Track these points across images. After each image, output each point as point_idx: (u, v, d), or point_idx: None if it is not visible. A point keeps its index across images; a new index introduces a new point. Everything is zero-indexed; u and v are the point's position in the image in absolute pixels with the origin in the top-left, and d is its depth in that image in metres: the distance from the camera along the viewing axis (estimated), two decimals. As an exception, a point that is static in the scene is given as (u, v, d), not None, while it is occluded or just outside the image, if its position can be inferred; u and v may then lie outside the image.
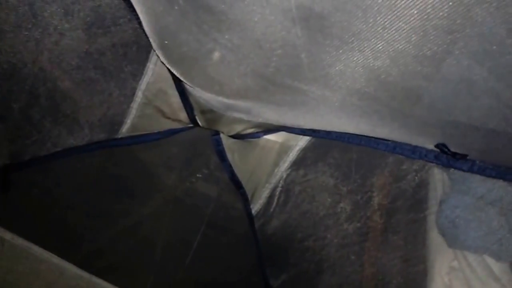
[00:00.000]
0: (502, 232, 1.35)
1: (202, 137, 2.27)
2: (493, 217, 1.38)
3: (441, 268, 1.52)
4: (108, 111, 2.04)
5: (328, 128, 1.72)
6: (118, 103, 2.01)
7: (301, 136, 2.04)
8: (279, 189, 2.35)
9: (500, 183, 1.33)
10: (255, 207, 2.55)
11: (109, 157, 2.40)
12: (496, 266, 1.35)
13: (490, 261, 1.36)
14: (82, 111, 2.01)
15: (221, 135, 2.19)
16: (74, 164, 2.34)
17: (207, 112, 1.91)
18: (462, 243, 1.41)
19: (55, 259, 2.60)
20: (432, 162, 1.45)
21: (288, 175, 2.26)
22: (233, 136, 2.15)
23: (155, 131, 2.18)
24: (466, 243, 1.40)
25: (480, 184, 1.40)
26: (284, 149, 2.17)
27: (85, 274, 2.69)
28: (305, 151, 2.11)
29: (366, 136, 1.61)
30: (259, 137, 2.12)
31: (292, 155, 2.15)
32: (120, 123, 2.09)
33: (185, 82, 1.65)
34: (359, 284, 2.16)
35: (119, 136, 2.15)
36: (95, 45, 1.79)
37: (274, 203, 2.43)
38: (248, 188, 2.48)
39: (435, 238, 1.57)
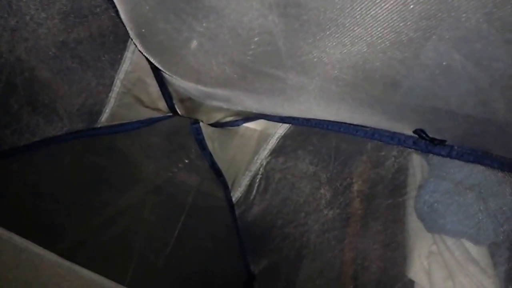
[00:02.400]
0: (480, 216, 1.36)
1: (181, 126, 2.26)
2: (472, 202, 1.39)
3: (421, 252, 1.53)
4: (87, 100, 2.01)
5: (307, 116, 1.71)
6: (97, 92, 1.98)
7: (280, 124, 2.04)
8: (259, 176, 2.36)
9: (478, 168, 1.34)
10: (236, 195, 2.55)
11: (89, 146, 2.38)
12: (474, 250, 1.36)
13: (469, 244, 1.38)
14: (60, 101, 1.99)
15: (201, 123, 2.18)
16: (54, 154, 2.31)
17: (186, 100, 1.90)
18: (440, 227, 1.42)
19: (35, 248, 2.57)
20: (410, 148, 1.46)
21: (268, 162, 2.26)
22: (213, 125, 2.14)
23: (134, 120, 2.16)
24: (445, 227, 1.41)
25: (458, 169, 1.41)
26: (263, 137, 2.17)
27: (65, 263, 2.66)
28: (284, 138, 2.11)
29: (345, 123, 1.61)
30: (238, 125, 2.12)
31: (271, 143, 2.16)
32: (99, 113, 2.07)
33: (163, 70, 1.64)
34: (339, 269, 2.18)
35: (98, 126, 2.13)
36: (72, 35, 1.76)
37: (254, 191, 2.43)
38: (228, 176, 2.48)
39: (414, 223, 1.58)
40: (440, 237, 1.44)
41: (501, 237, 1.35)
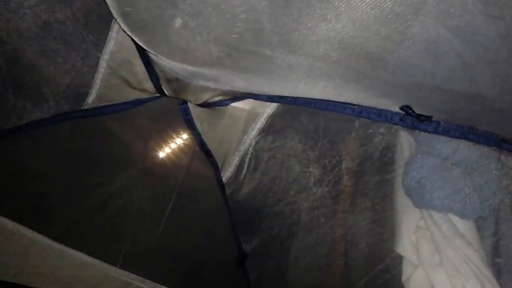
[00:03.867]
0: (467, 191, 1.37)
1: (169, 106, 2.25)
2: (458, 177, 1.40)
3: (408, 227, 1.54)
4: (72, 82, 1.99)
5: (295, 94, 1.71)
6: (82, 73, 1.96)
7: (268, 103, 2.03)
8: (248, 156, 2.36)
9: (465, 143, 1.35)
10: (226, 175, 2.55)
11: (76, 129, 2.37)
12: (460, 224, 1.38)
13: (455, 219, 1.39)
14: (46, 83, 1.96)
15: (189, 104, 2.16)
16: (42, 136, 2.30)
17: (173, 81, 1.89)
18: (427, 202, 1.43)
19: (26, 232, 2.57)
20: (397, 125, 1.47)
21: (257, 142, 2.26)
22: (201, 105, 2.13)
23: (121, 102, 2.14)
24: (432, 202, 1.42)
25: (445, 145, 1.42)
26: (252, 116, 2.16)
27: (57, 246, 2.66)
28: (273, 117, 2.11)
29: (333, 101, 1.60)
30: (226, 105, 2.11)
31: (260, 122, 2.15)
32: (85, 94, 2.05)
33: (148, 50, 1.62)
34: (329, 246, 2.19)
35: (85, 107, 2.11)
36: (54, 15, 1.74)
37: (244, 170, 2.43)
38: (218, 156, 2.48)
39: (402, 199, 1.59)
40: (428, 212, 1.45)
41: (487, 212, 1.36)
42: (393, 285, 1.67)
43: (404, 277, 1.52)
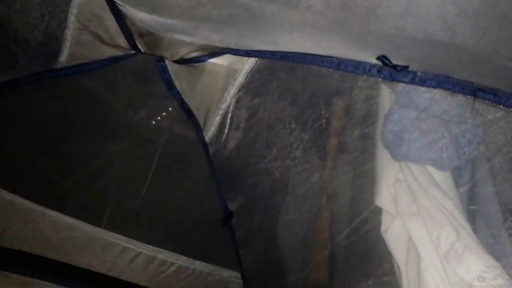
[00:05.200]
0: (443, 141, 1.37)
1: (146, 64, 2.20)
2: (434, 128, 1.40)
3: (388, 180, 1.55)
4: (42, 39, 1.94)
5: (272, 48, 1.69)
6: (51, 29, 1.91)
7: (247, 59, 2.01)
8: (229, 114, 2.35)
9: (441, 93, 1.35)
10: (208, 134, 2.54)
11: (52, 91, 2.34)
12: (437, 175, 1.38)
13: (432, 170, 1.39)
14: (14, 41, 1.92)
15: (166, 61, 2.12)
16: (17, 101, 2.27)
17: (146, 35, 1.85)
18: (405, 154, 1.43)
19: (6, 195, 2.57)
20: (375, 77, 1.45)
21: (237, 99, 2.25)
22: (178, 61, 2.10)
23: (96, 60, 2.10)
24: (409, 154, 1.42)
25: (422, 96, 1.41)
26: (231, 73, 2.14)
27: (38, 208, 2.67)
28: (252, 74, 2.09)
29: (311, 54, 1.59)
30: (204, 60, 2.07)
31: (239, 79, 2.13)
32: (57, 52, 2.00)
33: (115, 0, 1.58)
34: (312, 201, 2.21)
35: (58, 66, 2.07)
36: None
37: (226, 129, 2.42)
38: (199, 115, 2.46)
39: (381, 152, 1.59)
40: (406, 164, 1.46)
41: (463, 161, 1.37)
42: (372, 236, 1.69)
43: (383, 228, 1.53)
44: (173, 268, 3.10)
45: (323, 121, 1.94)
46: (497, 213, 1.29)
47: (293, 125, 2.09)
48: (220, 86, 2.24)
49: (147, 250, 3.00)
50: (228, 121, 2.38)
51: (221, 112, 2.36)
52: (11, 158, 2.56)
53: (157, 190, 2.87)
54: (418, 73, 1.33)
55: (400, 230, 1.44)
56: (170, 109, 2.56)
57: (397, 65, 1.34)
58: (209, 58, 2.06)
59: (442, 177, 1.38)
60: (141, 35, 1.87)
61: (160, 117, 2.65)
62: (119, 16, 1.80)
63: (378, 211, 1.58)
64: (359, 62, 1.47)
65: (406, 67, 1.33)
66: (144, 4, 1.56)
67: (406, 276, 1.40)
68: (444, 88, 1.31)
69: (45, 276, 2.78)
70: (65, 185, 2.76)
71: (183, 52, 1.99)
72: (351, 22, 1.25)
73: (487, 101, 1.25)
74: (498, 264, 1.15)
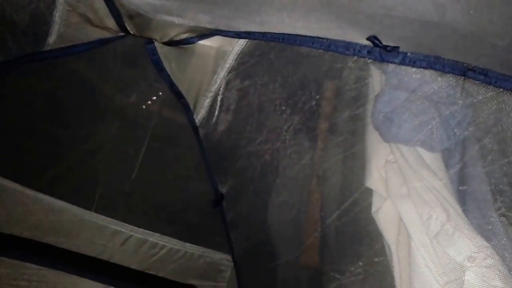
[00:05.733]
0: (433, 123, 1.37)
1: (136, 46, 2.19)
2: (425, 109, 1.39)
3: (378, 161, 1.55)
4: (31, 21, 1.92)
5: (263, 30, 1.68)
6: (39, 11, 1.88)
7: (236, 40, 2.00)
8: (220, 96, 2.34)
9: (431, 74, 1.35)
10: (198, 117, 2.53)
11: (42, 73, 2.32)
12: (427, 156, 1.38)
13: (422, 151, 1.39)
14: (1, 23, 1.89)
15: (156, 43, 2.11)
16: (7, 83, 2.25)
17: (135, 16, 1.83)
18: (395, 136, 1.43)
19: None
20: (365, 58, 1.45)
21: (227, 81, 2.24)
22: (168, 43, 2.08)
23: (85, 42, 2.08)
24: (399, 136, 1.42)
25: (412, 77, 1.41)
26: (220, 54, 2.13)
27: (29, 192, 2.66)
28: (242, 56, 2.08)
29: (301, 35, 1.58)
30: (193, 42, 2.06)
31: (229, 61, 2.12)
32: (45, 34, 1.98)
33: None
34: (303, 183, 2.21)
35: (47, 48, 2.05)
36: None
37: (217, 111, 2.42)
38: (189, 97, 2.45)
39: (372, 133, 1.59)
40: (396, 146, 1.46)
41: (453, 143, 1.37)
42: (363, 217, 1.69)
43: (373, 209, 1.53)
44: (164, 250, 3.11)
45: (314, 102, 1.94)
46: (487, 193, 1.29)
47: (284, 107, 2.08)
48: (210, 68, 2.23)
49: (138, 233, 3.01)
50: (218, 103, 2.37)
51: (211, 94, 2.35)
52: (1, 142, 2.54)
53: (148, 173, 2.86)
54: (409, 54, 1.33)
55: (391, 211, 1.44)
56: (160, 93, 2.55)
57: (388, 46, 1.33)
58: (199, 39, 2.04)
59: (432, 158, 1.38)
60: (130, 16, 1.86)
61: (150, 100, 2.64)
62: (107, -4, 1.78)
63: (369, 192, 1.59)
64: (349, 43, 1.46)
65: (396, 47, 1.33)
66: (132, -15, 1.54)
67: (397, 257, 1.41)
68: (435, 69, 1.31)
69: (36, 260, 2.78)
70: (55, 168, 2.75)
71: (172, 33, 1.98)
72: (342, 0, 1.24)
73: (477, 82, 1.24)
74: (488, 245, 1.16)
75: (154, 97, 2.63)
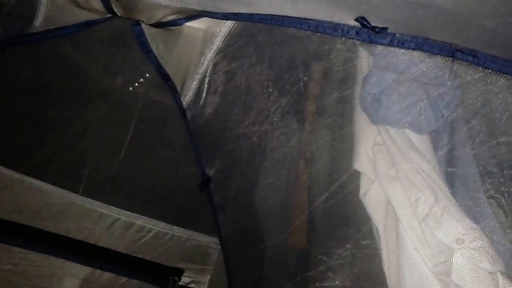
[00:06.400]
0: (421, 104, 1.37)
1: (123, 28, 2.17)
2: (413, 91, 1.39)
3: (366, 143, 1.54)
4: (17, 2, 1.89)
5: (250, 11, 1.66)
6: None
7: (224, 22, 1.98)
8: (207, 78, 2.32)
9: (419, 55, 1.34)
10: (186, 99, 2.52)
11: (28, 57, 2.30)
12: (415, 138, 1.38)
13: (410, 133, 1.39)
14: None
15: (143, 25, 2.09)
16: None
17: (122, -3, 1.81)
18: (383, 118, 1.42)
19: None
20: (353, 39, 1.44)
21: (215, 64, 2.22)
22: (155, 25, 2.05)
23: (71, 24, 2.05)
24: (387, 117, 1.41)
25: (400, 59, 1.40)
26: (208, 36, 2.11)
27: (15, 175, 2.64)
28: (229, 37, 2.06)
29: (289, 17, 1.56)
30: (181, 24, 2.03)
31: (217, 43, 2.10)
32: (32, 16, 1.95)
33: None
34: (290, 165, 2.21)
35: (33, 31, 2.02)
36: None
37: (204, 93, 2.40)
38: (176, 80, 2.43)
39: (360, 115, 1.58)
40: (384, 128, 1.45)
41: (442, 124, 1.37)
42: (350, 200, 1.70)
43: (361, 192, 1.53)
44: (151, 234, 3.11)
45: (301, 84, 1.93)
46: (476, 175, 1.29)
47: (271, 89, 2.07)
48: (197, 50, 2.21)
49: (124, 216, 3.01)
50: (206, 85, 2.36)
51: (198, 76, 2.33)
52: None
53: (135, 156, 2.85)
54: (397, 35, 1.32)
55: (379, 193, 1.44)
56: (147, 75, 2.52)
57: (376, 27, 1.32)
58: (186, 21, 2.02)
59: (420, 140, 1.38)
60: (117, -3, 1.84)
61: (137, 82, 2.62)
62: (92, -23, 1.76)
63: (357, 175, 1.58)
64: (338, 24, 1.45)
65: (384, 28, 1.32)
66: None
67: (385, 239, 1.41)
68: (423, 50, 1.30)
69: (22, 243, 2.77)
70: (42, 151, 2.73)
71: (159, 15, 1.95)
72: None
73: (466, 63, 1.24)
74: (476, 227, 1.16)
75: (141, 80, 2.61)
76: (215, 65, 2.23)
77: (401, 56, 1.39)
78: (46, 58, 2.38)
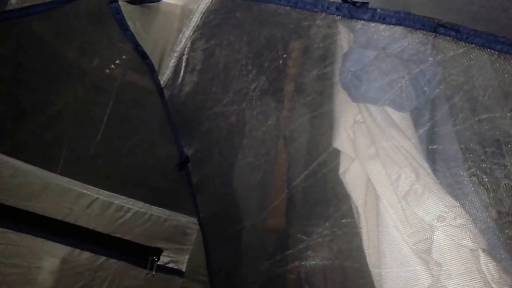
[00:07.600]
0: (403, 81, 1.35)
1: (99, 5, 2.11)
2: (394, 68, 1.37)
3: (346, 122, 1.52)
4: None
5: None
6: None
7: (202, -2, 1.94)
8: (185, 56, 2.28)
9: (401, 31, 1.32)
10: (163, 78, 2.48)
11: (3, 36, 2.24)
12: (396, 115, 1.36)
13: (391, 111, 1.37)
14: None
15: (119, 1, 2.04)
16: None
17: (98, -27, 1.76)
18: (364, 95, 1.40)
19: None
20: (334, 15, 1.42)
21: (192, 41, 2.18)
22: (132, 2, 2.01)
23: (47, 1, 1.99)
24: (368, 95, 1.39)
25: (382, 35, 1.38)
26: (186, 13, 2.07)
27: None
28: (207, 14, 2.02)
29: (268, -8, 1.54)
30: (158, 0, 2.00)
31: (194, 19, 2.06)
32: (8, -6, 1.90)
33: None
34: (269, 144, 2.20)
35: (9, 8, 1.96)
36: None
37: (182, 72, 2.37)
38: (154, 58, 2.39)
39: (340, 93, 1.56)
40: (365, 106, 1.43)
41: (423, 101, 1.36)
42: (330, 178, 1.69)
43: (341, 170, 1.52)
44: (129, 214, 3.09)
45: (280, 62, 1.91)
46: (457, 152, 1.29)
47: (250, 67, 2.04)
48: (175, 27, 2.17)
49: (103, 195, 2.98)
50: (184, 63, 2.32)
51: (176, 54, 2.29)
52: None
53: (113, 136, 2.81)
54: (378, 10, 1.30)
55: (359, 172, 1.43)
56: (124, 56, 2.48)
57: (357, 2, 1.30)
58: (164, -3, 1.98)
59: (401, 118, 1.37)
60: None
61: (114, 63, 2.57)
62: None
63: (336, 153, 1.57)
64: (317, 0, 1.42)
65: (365, 3, 1.30)
66: None
67: (365, 218, 1.40)
68: (405, 25, 1.28)
69: (0, 223, 2.73)
70: (19, 131, 2.68)
71: (136, -9, 1.91)
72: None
73: (448, 38, 1.23)
74: (458, 204, 1.16)
75: (118, 61, 2.56)
76: (193, 43, 2.19)
77: (382, 32, 1.37)
78: (21, 38, 2.32)
